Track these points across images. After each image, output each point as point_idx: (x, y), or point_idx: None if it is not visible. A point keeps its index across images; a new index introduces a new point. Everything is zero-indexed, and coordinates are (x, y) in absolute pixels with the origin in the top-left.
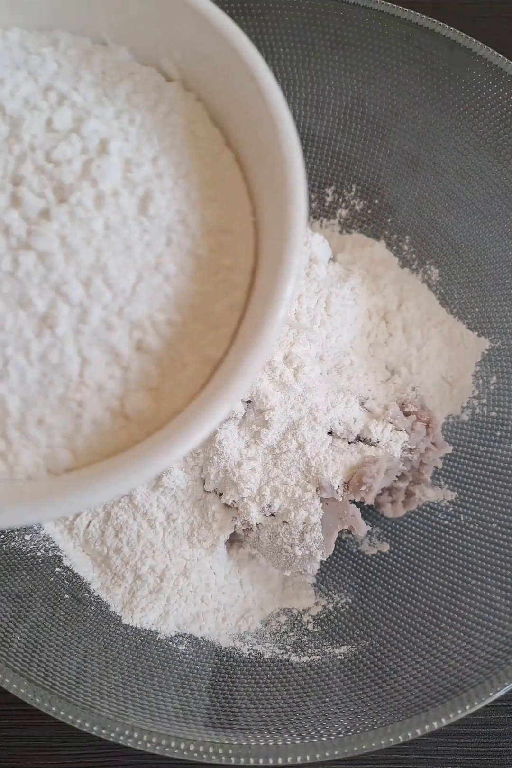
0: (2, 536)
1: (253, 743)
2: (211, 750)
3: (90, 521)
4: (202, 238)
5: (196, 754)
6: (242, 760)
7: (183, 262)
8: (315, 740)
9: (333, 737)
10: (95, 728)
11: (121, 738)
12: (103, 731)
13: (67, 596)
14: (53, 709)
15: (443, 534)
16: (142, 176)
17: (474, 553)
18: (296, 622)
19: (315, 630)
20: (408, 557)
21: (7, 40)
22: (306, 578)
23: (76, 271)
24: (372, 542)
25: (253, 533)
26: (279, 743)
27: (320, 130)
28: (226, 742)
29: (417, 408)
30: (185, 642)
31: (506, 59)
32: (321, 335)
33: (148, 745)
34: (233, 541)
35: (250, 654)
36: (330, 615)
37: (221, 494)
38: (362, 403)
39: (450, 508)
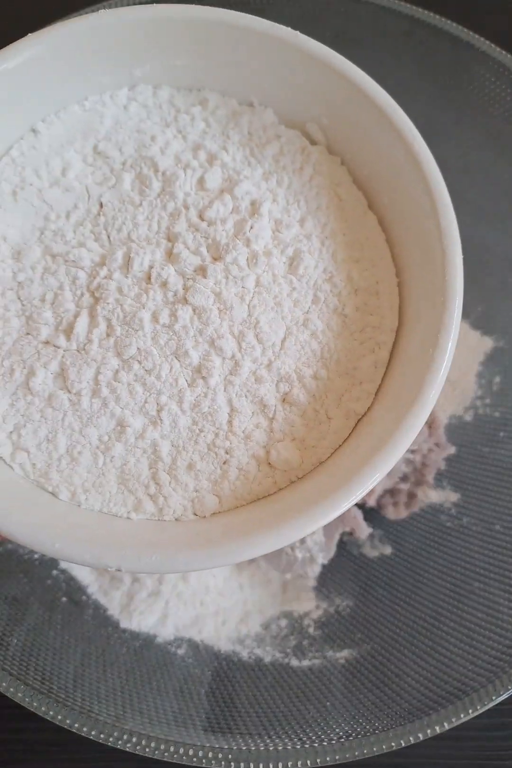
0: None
1: (253, 748)
2: (210, 755)
3: None
4: (348, 297)
5: (195, 759)
6: (242, 765)
7: (329, 320)
8: (316, 745)
9: (334, 742)
10: (93, 733)
11: (119, 743)
12: (101, 736)
13: (64, 599)
14: (50, 713)
15: (446, 536)
16: (291, 236)
17: (478, 555)
18: (297, 625)
19: (316, 633)
20: (411, 559)
21: (157, 97)
22: (307, 581)
23: (230, 326)
24: (374, 544)
25: None
26: (280, 748)
27: None
28: (226, 746)
29: None
30: (184, 646)
31: (509, 55)
32: None
33: (147, 749)
34: None
35: (250, 658)
36: (332, 618)
37: None
38: None
39: (453, 510)
